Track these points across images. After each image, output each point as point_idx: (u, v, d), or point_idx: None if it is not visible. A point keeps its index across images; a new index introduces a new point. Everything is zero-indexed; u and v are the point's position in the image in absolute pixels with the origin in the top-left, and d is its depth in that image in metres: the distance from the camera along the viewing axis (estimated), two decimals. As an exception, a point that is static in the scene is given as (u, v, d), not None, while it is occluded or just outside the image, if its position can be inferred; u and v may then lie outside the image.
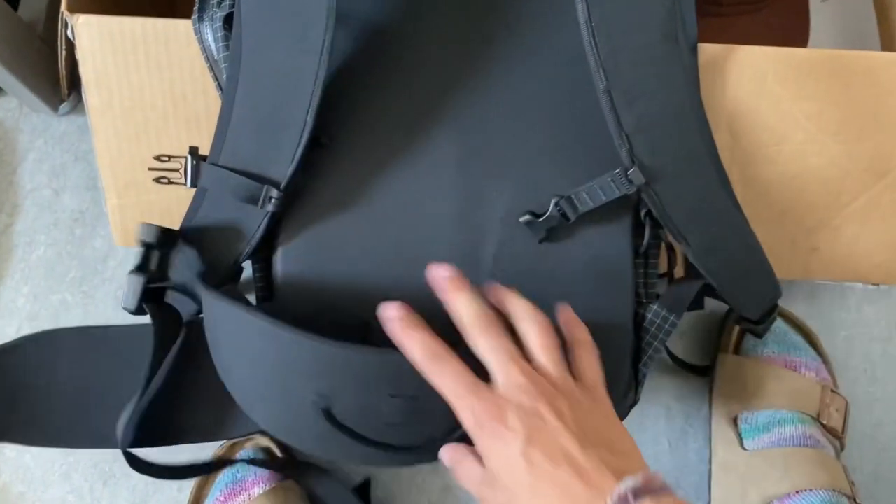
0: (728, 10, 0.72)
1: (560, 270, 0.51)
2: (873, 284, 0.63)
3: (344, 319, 0.50)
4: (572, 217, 0.49)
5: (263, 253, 0.53)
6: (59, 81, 0.71)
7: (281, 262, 0.51)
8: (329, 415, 0.46)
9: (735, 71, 0.56)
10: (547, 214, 0.49)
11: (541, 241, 0.50)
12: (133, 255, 0.50)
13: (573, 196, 0.48)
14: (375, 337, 0.50)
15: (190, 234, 0.51)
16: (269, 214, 0.49)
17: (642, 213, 0.51)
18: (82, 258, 0.72)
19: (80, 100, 0.75)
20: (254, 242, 0.50)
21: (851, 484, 0.61)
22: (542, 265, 0.51)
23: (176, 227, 0.51)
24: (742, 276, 0.52)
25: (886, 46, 0.71)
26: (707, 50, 0.55)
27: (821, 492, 0.58)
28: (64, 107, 0.74)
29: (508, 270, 0.51)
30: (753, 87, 0.56)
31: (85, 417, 0.52)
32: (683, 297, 0.52)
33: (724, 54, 0.55)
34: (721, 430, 0.64)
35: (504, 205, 0.51)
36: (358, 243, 0.51)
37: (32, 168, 0.74)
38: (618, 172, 0.47)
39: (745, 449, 0.62)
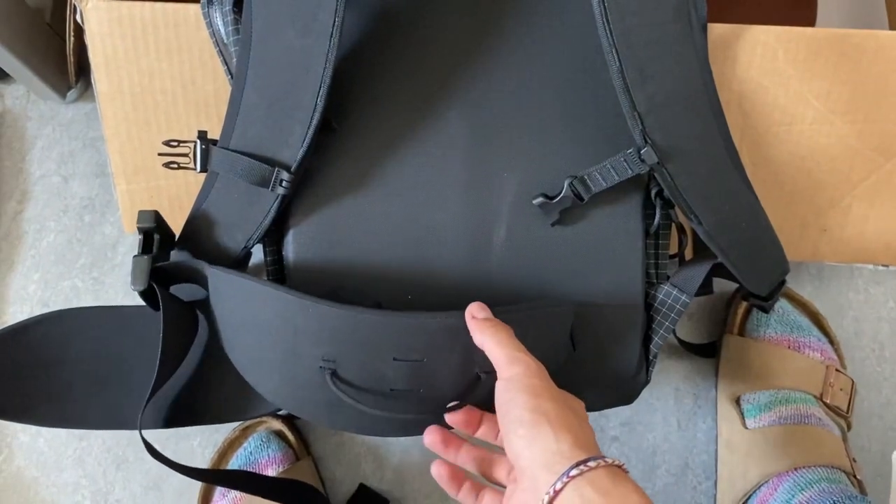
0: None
1: (571, 252, 0.51)
2: (882, 265, 0.63)
3: (356, 300, 0.50)
4: (585, 197, 0.49)
5: (274, 236, 0.53)
6: (66, 68, 0.71)
7: (292, 245, 0.51)
8: (335, 376, 0.46)
9: (745, 50, 0.56)
10: (561, 195, 0.49)
11: (553, 224, 0.50)
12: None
13: (586, 176, 0.48)
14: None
15: (200, 218, 0.51)
16: (279, 197, 0.49)
17: (653, 193, 0.51)
18: (92, 244, 0.72)
19: (87, 87, 0.75)
20: (265, 225, 0.50)
21: (853, 461, 0.61)
22: (552, 247, 0.51)
23: (186, 211, 0.51)
24: (753, 253, 0.52)
25: (895, 25, 0.70)
26: (716, 29, 0.55)
27: (819, 468, 0.59)
28: (72, 94, 0.74)
29: (519, 253, 0.51)
30: (763, 66, 0.56)
31: (100, 397, 0.52)
32: (694, 277, 0.52)
33: (735, 33, 0.55)
34: (725, 410, 0.65)
35: (514, 187, 0.51)
36: (368, 225, 0.51)
37: (41, 155, 0.74)
38: (630, 152, 0.47)
39: (746, 428, 0.63)
